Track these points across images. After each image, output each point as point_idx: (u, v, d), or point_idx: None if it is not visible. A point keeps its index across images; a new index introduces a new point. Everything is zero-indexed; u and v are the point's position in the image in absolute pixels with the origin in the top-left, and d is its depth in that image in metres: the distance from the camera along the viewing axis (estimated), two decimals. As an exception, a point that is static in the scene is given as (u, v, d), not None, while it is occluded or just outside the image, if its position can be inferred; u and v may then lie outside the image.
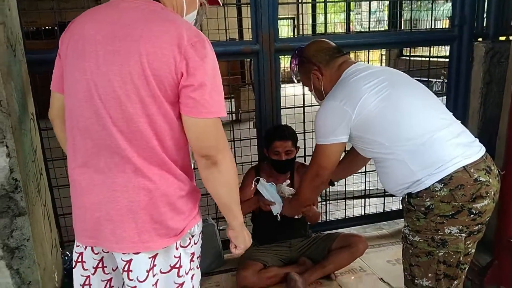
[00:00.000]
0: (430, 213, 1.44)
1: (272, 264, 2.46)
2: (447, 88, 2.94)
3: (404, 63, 5.57)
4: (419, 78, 1.91)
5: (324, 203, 3.19)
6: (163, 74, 1.11)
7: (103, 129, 1.16)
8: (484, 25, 2.72)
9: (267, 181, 2.48)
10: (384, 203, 3.22)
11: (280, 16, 3.04)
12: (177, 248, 1.25)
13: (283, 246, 2.55)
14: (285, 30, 12.48)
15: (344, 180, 3.13)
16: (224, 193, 1.25)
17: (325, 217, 3.13)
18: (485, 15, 2.69)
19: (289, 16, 11.75)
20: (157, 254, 1.22)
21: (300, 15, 10.45)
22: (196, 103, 1.12)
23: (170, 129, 1.17)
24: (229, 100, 3.58)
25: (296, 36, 9.27)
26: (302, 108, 2.85)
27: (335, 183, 2.23)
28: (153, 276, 1.23)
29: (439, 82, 4.20)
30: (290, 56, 1.89)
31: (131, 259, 1.21)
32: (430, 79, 3.31)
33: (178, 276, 1.26)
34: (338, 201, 3.34)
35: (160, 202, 1.19)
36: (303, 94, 2.72)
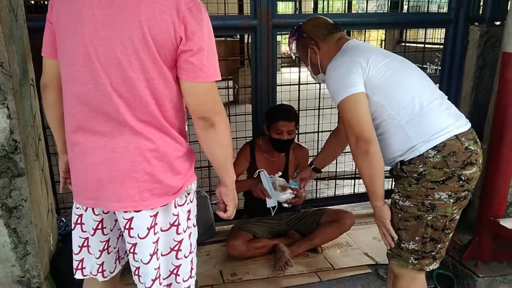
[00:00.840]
0: (422, 179, 1.50)
1: (261, 236, 2.54)
2: (441, 71, 2.99)
3: (402, 48, 5.59)
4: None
5: (315, 181, 3.26)
6: (163, 38, 1.14)
7: (101, 94, 1.19)
8: (480, 9, 2.75)
9: (262, 157, 2.55)
10: (374, 183, 3.29)
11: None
12: (175, 207, 1.31)
13: (273, 218, 2.62)
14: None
15: (335, 160, 3.20)
16: (220, 152, 1.31)
17: (315, 194, 3.20)
18: (481, -1, 2.72)
19: (290, -1, 11.61)
20: (158, 212, 1.28)
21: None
22: (195, 68, 1.16)
23: (169, 93, 1.22)
24: (226, 81, 3.60)
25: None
26: (297, 86, 2.89)
27: (321, 170, 2.32)
28: (154, 234, 1.29)
29: (434, 67, 4.25)
30: (289, 36, 1.93)
31: (132, 217, 1.27)
32: (425, 64, 3.35)
33: (177, 233, 1.33)
34: (329, 180, 3.41)
35: (160, 162, 1.24)
36: (299, 72, 2.77)
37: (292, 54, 1.96)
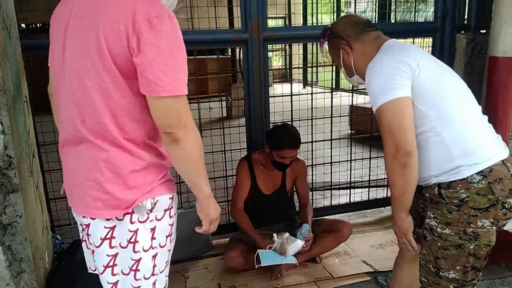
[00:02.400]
0: (464, 206, 1.38)
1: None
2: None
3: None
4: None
5: (311, 192, 3.27)
6: (117, 48, 1.11)
7: (65, 103, 1.23)
8: (466, 17, 2.83)
9: (260, 171, 2.54)
10: (368, 192, 3.31)
11: (270, 16, 3.12)
12: (132, 222, 1.25)
13: (271, 230, 2.60)
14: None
15: (330, 170, 3.22)
16: (186, 167, 1.24)
17: (312, 205, 3.19)
18: (466, 8, 2.80)
19: (279, 15, 11.80)
20: (115, 226, 1.25)
21: (292, 15, 10.52)
22: (149, 82, 1.12)
23: (127, 104, 1.18)
24: (220, 97, 3.65)
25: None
26: (289, 98, 2.93)
27: None
28: (111, 247, 1.26)
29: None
30: (319, 37, 1.73)
31: (89, 224, 1.27)
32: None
33: (134, 251, 1.26)
34: (325, 190, 3.41)
35: (112, 174, 1.21)
36: (291, 84, 2.80)
37: (324, 56, 1.83)
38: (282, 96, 3.05)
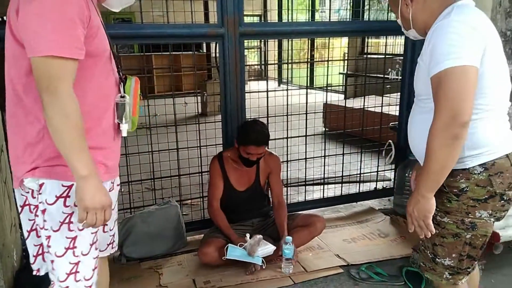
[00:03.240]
0: (463, 196, 1.41)
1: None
2: (402, 75, 3.13)
3: (363, 61, 5.79)
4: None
5: (285, 188, 3.29)
6: (13, 17, 1.17)
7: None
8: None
9: (232, 169, 2.53)
10: (341, 187, 3.36)
11: (246, 13, 3.12)
12: (34, 197, 1.29)
13: (246, 225, 2.62)
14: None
15: (304, 166, 3.25)
16: (54, 138, 1.17)
17: (286, 200, 3.22)
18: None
19: (256, 13, 11.80)
20: (27, 198, 1.33)
21: (268, 12, 10.54)
22: (25, 43, 1.15)
23: (19, 72, 1.21)
24: (195, 95, 3.64)
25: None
26: (265, 94, 2.94)
27: None
28: (31, 212, 1.33)
29: (394, 75, 4.42)
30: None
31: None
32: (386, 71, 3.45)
33: (39, 221, 1.30)
34: (299, 186, 3.45)
35: (12, 145, 1.30)
36: (267, 81, 2.80)
37: (382, 1, 1.69)
38: (258, 92, 3.05)
